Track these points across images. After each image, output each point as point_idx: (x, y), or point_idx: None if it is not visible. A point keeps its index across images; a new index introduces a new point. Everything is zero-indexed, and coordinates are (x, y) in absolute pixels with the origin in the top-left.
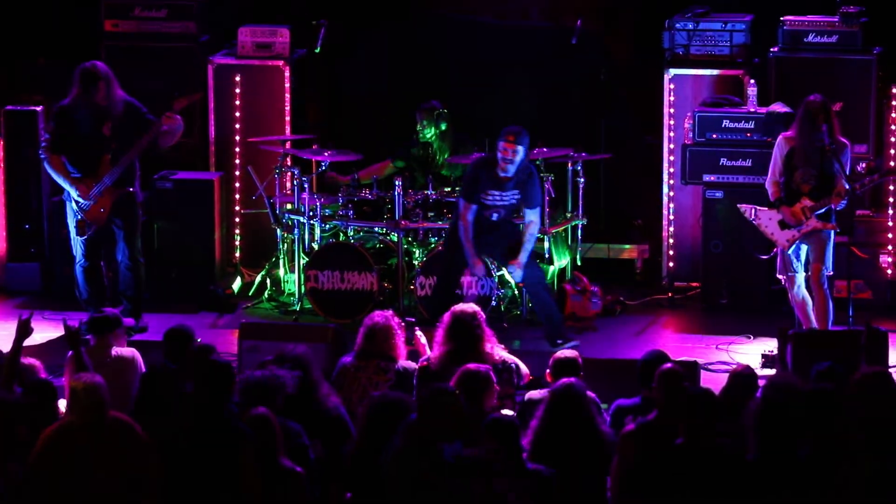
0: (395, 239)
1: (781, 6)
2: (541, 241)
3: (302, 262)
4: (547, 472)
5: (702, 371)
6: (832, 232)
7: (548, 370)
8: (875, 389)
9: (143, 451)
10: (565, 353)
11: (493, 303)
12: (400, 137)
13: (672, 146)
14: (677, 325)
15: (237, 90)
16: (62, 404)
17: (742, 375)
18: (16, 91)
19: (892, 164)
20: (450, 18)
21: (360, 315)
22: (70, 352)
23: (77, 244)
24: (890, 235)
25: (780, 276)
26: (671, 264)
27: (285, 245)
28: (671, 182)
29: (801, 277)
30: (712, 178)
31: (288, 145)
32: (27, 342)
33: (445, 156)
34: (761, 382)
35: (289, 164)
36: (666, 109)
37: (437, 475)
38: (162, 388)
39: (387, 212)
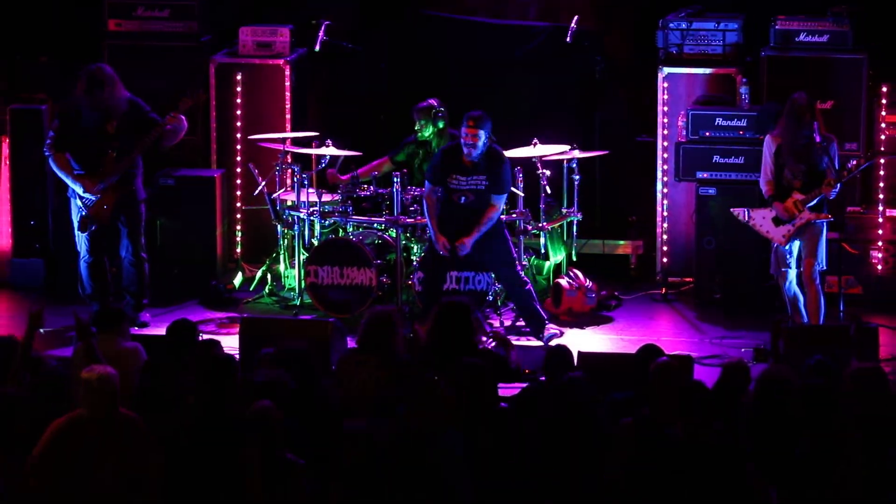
0: (394, 235)
1: (773, 6)
2: (537, 236)
3: (302, 257)
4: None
5: (695, 365)
6: (825, 226)
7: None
8: (868, 385)
9: (147, 448)
10: (558, 346)
11: (490, 297)
12: (398, 135)
13: (666, 144)
14: (671, 320)
15: (238, 89)
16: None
17: (735, 370)
18: (21, 90)
19: (881, 161)
20: (448, 18)
21: (360, 310)
22: (76, 345)
23: (81, 240)
24: (880, 231)
25: (773, 274)
26: (665, 260)
27: (286, 241)
28: (665, 179)
29: (792, 274)
30: (705, 176)
31: (288, 143)
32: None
33: None
34: (754, 376)
35: (289, 161)
36: (660, 107)
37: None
38: (161, 381)
39: (385, 208)
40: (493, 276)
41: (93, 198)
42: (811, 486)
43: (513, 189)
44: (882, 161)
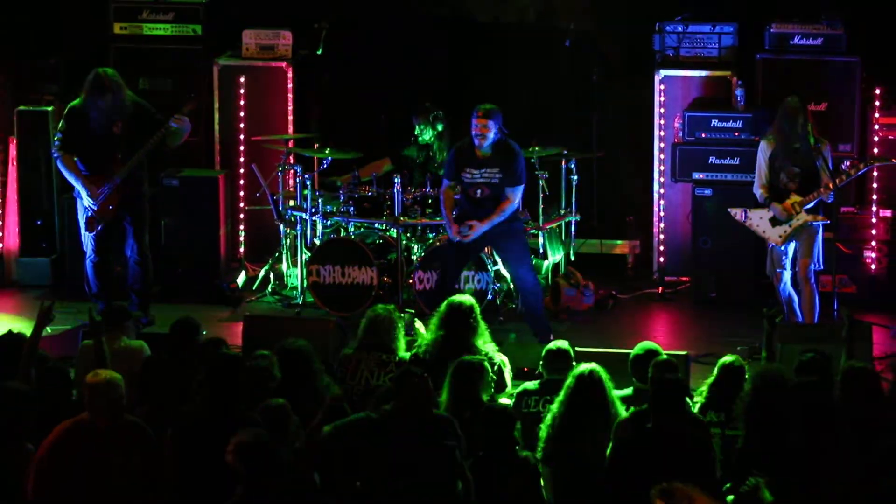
0: (395, 235)
1: (768, 10)
2: (535, 236)
3: (304, 257)
4: (535, 459)
5: (692, 363)
6: (821, 227)
7: (540, 362)
8: (859, 383)
9: (152, 454)
10: (557, 344)
11: (490, 297)
12: (399, 137)
13: (662, 145)
14: (668, 319)
15: (241, 90)
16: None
17: (731, 368)
18: (28, 91)
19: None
20: (447, 20)
21: (361, 308)
22: (82, 343)
23: (87, 240)
24: (874, 231)
25: (768, 274)
26: (662, 259)
27: (288, 241)
28: (662, 180)
29: (787, 275)
30: (701, 176)
31: (291, 144)
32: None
33: (444, 154)
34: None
35: (291, 161)
36: (657, 109)
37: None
38: (162, 378)
39: (386, 208)
40: (492, 275)
41: (99, 198)
42: (803, 478)
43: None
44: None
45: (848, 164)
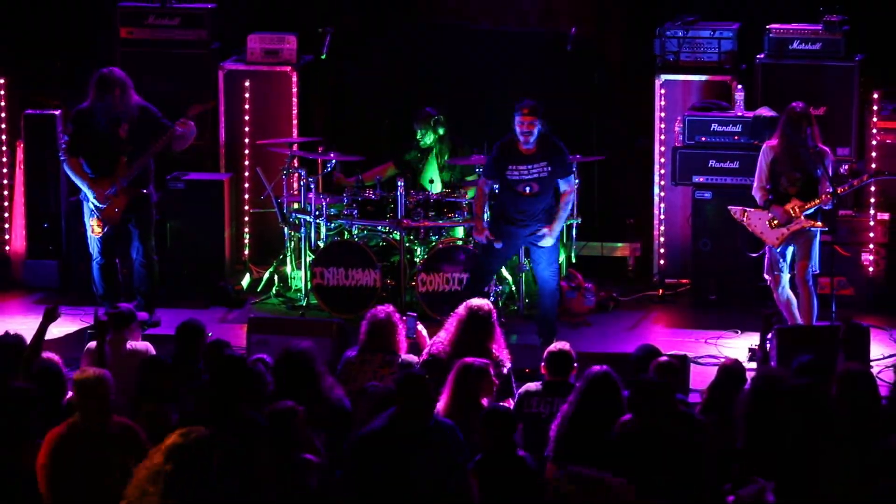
0: (398, 237)
1: (767, 15)
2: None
3: (308, 259)
4: (533, 461)
5: (692, 364)
6: (819, 231)
7: (542, 363)
8: (856, 386)
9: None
10: (559, 346)
11: (491, 298)
12: (402, 141)
13: (663, 148)
14: (668, 321)
15: (246, 95)
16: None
17: (731, 369)
18: (35, 95)
19: (873, 166)
20: (450, 25)
21: (364, 310)
22: (88, 345)
23: (93, 242)
24: (871, 234)
25: (766, 276)
26: (662, 262)
27: (292, 243)
28: (662, 183)
29: (785, 278)
30: (701, 180)
31: (295, 147)
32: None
33: (445, 157)
34: (749, 375)
35: (296, 165)
36: (657, 113)
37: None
38: (160, 379)
39: (390, 211)
40: (494, 278)
41: (105, 201)
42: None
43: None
44: (873, 166)
45: (846, 168)
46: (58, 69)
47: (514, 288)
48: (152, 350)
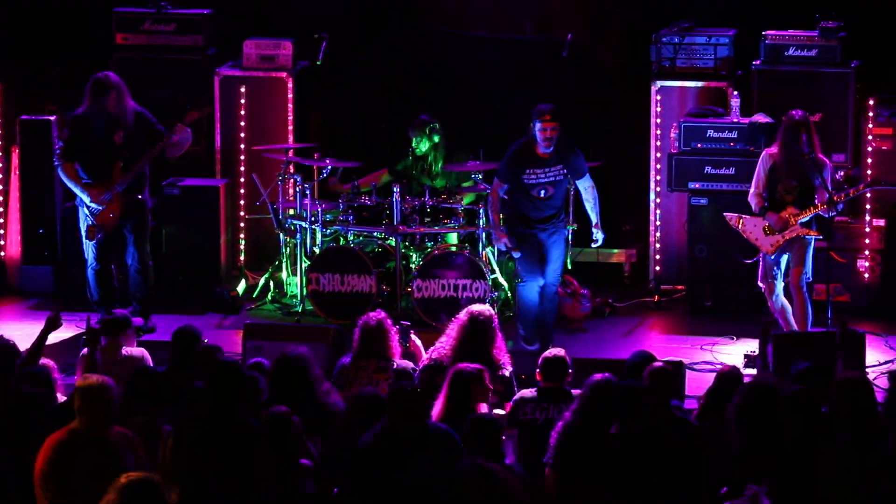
0: (393, 243)
1: (763, 21)
2: None
3: (304, 265)
4: (521, 469)
5: (687, 371)
6: (813, 239)
7: (537, 369)
8: (853, 392)
9: (141, 467)
10: (554, 352)
11: (487, 304)
12: (398, 146)
13: (659, 155)
14: (663, 327)
15: (242, 100)
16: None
17: (728, 376)
18: (30, 101)
19: (868, 172)
20: (447, 32)
21: (360, 316)
22: (84, 350)
23: (89, 248)
24: (867, 241)
25: (760, 284)
26: (658, 268)
27: (288, 249)
28: (658, 189)
29: (780, 286)
30: (697, 186)
31: (291, 153)
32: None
33: (440, 165)
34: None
35: (291, 171)
36: (653, 119)
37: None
38: (150, 389)
39: (385, 217)
40: (490, 284)
41: (100, 207)
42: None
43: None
44: (869, 173)
45: (842, 174)
46: (53, 74)
47: (509, 294)
48: (147, 356)
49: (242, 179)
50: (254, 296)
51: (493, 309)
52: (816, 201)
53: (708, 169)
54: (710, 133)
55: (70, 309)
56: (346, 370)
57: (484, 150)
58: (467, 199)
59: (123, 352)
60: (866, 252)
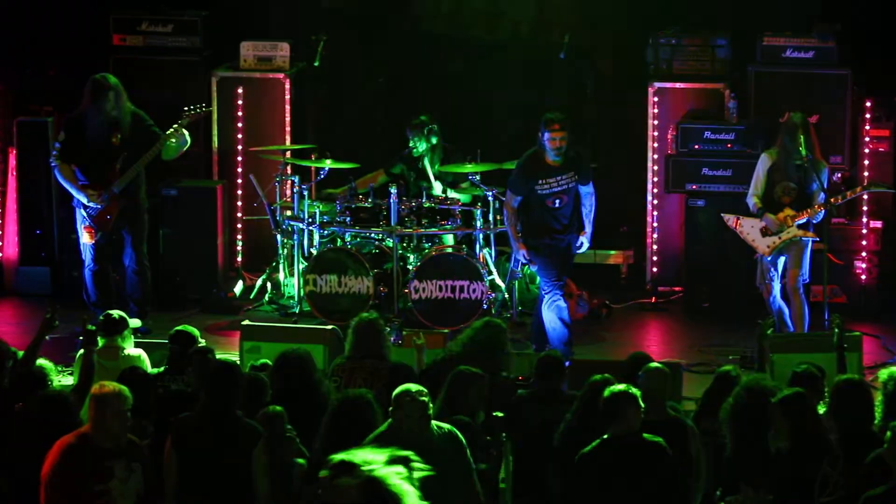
0: (391, 244)
1: (760, 23)
2: None
3: (301, 266)
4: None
5: (684, 372)
6: (810, 241)
7: (534, 371)
8: (849, 395)
9: (148, 472)
10: (550, 353)
11: (484, 306)
12: (395, 148)
13: (656, 156)
14: (660, 328)
15: (239, 102)
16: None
17: (726, 376)
18: (27, 102)
19: (865, 174)
20: (445, 34)
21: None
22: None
23: (86, 249)
24: (864, 242)
25: (758, 285)
26: (655, 269)
27: (285, 250)
28: (655, 191)
29: (777, 287)
30: (694, 187)
31: (288, 154)
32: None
33: (436, 166)
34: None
35: (289, 172)
36: (650, 121)
37: None
38: (138, 394)
39: (383, 218)
40: (487, 285)
41: (97, 207)
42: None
43: (504, 199)
44: (866, 174)
45: (839, 176)
46: (50, 76)
47: (507, 295)
48: (145, 357)
49: (240, 181)
50: (251, 297)
51: (491, 310)
52: (813, 203)
53: (705, 170)
54: (708, 135)
55: (67, 310)
56: (342, 372)
57: (481, 152)
58: (464, 199)
59: (121, 353)
60: (863, 254)
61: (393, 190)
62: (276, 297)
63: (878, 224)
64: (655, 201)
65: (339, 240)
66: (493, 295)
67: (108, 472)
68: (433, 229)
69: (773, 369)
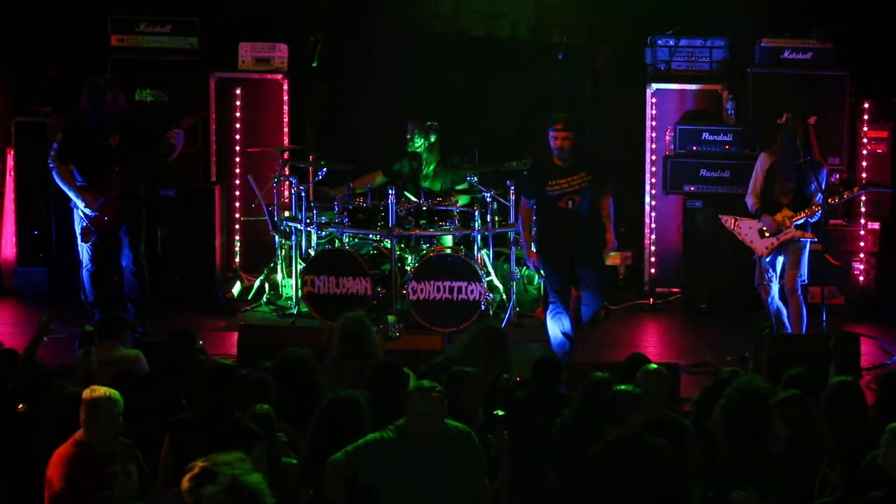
0: (389, 245)
1: (758, 25)
2: None
3: (299, 267)
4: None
5: (682, 373)
6: (808, 241)
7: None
8: (844, 397)
9: (144, 474)
10: (547, 354)
11: (482, 307)
12: (394, 148)
13: (654, 157)
14: (658, 329)
15: (237, 102)
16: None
17: (726, 378)
18: (25, 102)
19: (863, 174)
20: (444, 34)
21: None
22: (79, 352)
23: (84, 250)
24: (862, 244)
25: (756, 286)
26: (653, 270)
27: (283, 251)
28: (653, 192)
29: (775, 288)
30: (692, 189)
31: (286, 155)
32: None
33: (432, 167)
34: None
35: (286, 173)
36: (648, 122)
37: None
38: (135, 392)
39: (380, 219)
40: (485, 286)
41: (95, 212)
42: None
43: (502, 200)
44: (864, 175)
45: (837, 177)
46: (48, 76)
47: (504, 297)
48: (143, 358)
49: (238, 181)
50: (249, 298)
51: (489, 311)
52: (811, 203)
53: (703, 171)
54: (706, 136)
55: (65, 311)
56: (329, 371)
57: (479, 152)
58: (462, 201)
59: (118, 354)
60: (861, 255)
61: (391, 190)
62: (274, 297)
63: (875, 225)
64: (653, 202)
65: (337, 241)
66: (491, 296)
67: (111, 478)
68: (431, 230)
69: (770, 371)
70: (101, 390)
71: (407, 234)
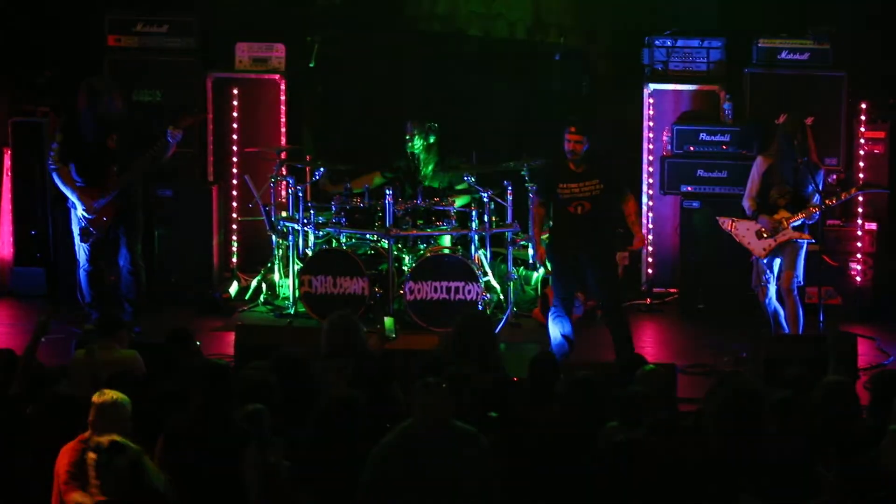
0: (386, 245)
1: (755, 25)
2: (525, 248)
3: (296, 267)
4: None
5: (679, 374)
6: (805, 243)
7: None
8: (837, 398)
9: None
10: (542, 354)
11: (480, 307)
12: (391, 149)
13: (651, 158)
14: (655, 330)
15: (235, 102)
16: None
17: (729, 381)
18: (22, 103)
19: (860, 175)
20: (441, 34)
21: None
22: (74, 354)
23: (81, 250)
24: (859, 244)
25: (753, 288)
26: (650, 271)
27: (280, 251)
28: (650, 192)
29: (772, 289)
30: (690, 189)
31: (283, 155)
32: None
33: (430, 167)
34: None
35: (284, 173)
36: (645, 122)
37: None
38: (132, 392)
39: (378, 219)
40: (483, 286)
41: (93, 213)
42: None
43: (500, 200)
44: (861, 176)
45: (834, 177)
46: (46, 77)
47: (502, 297)
48: (140, 358)
49: (235, 181)
50: (246, 298)
51: (487, 311)
52: (808, 205)
53: (700, 172)
54: (703, 136)
55: (62, 311)
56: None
57: (476, 153)
58: (460, 201)
59: (115, 354)
60: (858, 256)
61: (388, 191)
62: (271, 298)
63: (872, 226)
64: (651, 203)
65: (334, 241)
66: (488, 296)
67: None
68: (428, 230)
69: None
70: (110, 394)
71: (404, 235)
